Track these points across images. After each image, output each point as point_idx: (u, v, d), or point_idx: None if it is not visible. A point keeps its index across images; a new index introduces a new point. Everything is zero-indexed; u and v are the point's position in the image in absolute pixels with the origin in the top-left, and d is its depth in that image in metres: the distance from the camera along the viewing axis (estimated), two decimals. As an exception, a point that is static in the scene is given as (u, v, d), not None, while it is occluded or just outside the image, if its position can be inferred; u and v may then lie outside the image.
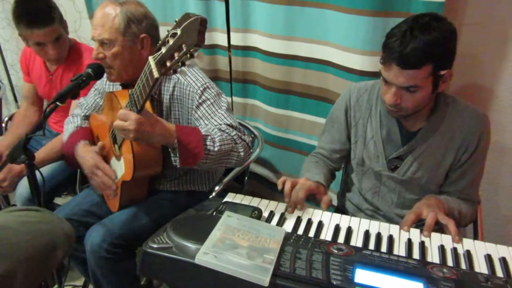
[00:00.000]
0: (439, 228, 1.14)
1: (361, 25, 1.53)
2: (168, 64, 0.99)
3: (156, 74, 1.01)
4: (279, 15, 1.73)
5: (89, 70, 1.32)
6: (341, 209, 1.53)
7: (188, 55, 0.96)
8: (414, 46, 1.07)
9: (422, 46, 1.06)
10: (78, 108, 1.66)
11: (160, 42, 1.01)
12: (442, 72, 1.12)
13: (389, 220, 1.37)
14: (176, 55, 0.97)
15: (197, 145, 1.19)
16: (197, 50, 0.96)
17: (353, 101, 1.36)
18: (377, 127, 1.31)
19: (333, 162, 1.46)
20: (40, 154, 1.76)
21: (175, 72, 1.01)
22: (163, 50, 0.99)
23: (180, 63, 0.98)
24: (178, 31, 0.95)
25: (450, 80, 1.17)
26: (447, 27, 1.10)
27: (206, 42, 1.98)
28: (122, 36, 1.32)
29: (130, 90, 1.16)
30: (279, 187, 1.26)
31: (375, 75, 1.55)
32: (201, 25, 0.94)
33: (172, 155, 1.21)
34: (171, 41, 0.97)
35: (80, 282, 1.91)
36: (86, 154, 1.43)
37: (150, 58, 1.02)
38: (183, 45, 0.95)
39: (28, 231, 0.74)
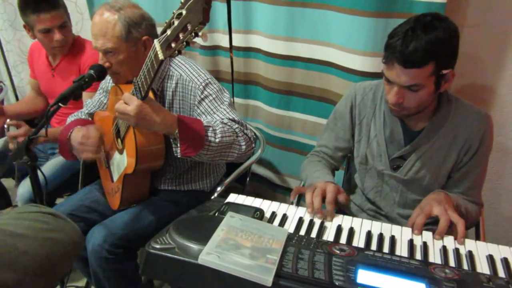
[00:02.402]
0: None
1: (362, 26, 1.53)
2: (173, 45, 0.98)
3: (161, 56, 1.00)
4: (281, 16, 1.73)
5: (92, 72, 1.32)
6: (343, 210, 1.53)
7: (193, 34, 0.95)
8: (416, 45, 1.07)
9: (424, 45, 1.07)
10: (84, 107, 1.67)
11: (165, 24, 1.00)
12: (445, 72, 1.12)
13: (391, 220, 1.37)
14: (181, 35, 0.96)
15: (198, 135, 1.18)
16: (201, 28, 0.94)
17: (359, 100, 1.36)
18: (381, 126, 1.32)
19: (335, 161, 1.46)
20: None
21: (179, 53, 1.00)
22: (168, 32, 0.98)
23: (184, 43, 0.97)
24: (183, 11, 0.94)
25: (452, 80, 1.17)
26: (449, 27, 1.11)
27: (208, 44, 1.99)
28: (125, 43, 1.33)
29: (134, 78, 1.16)
30: (293, 198, 1.26)
31: (376, 76, 1.55)
32: (206, 3, 0.92)
33: (173, 145, 1.20)
34: (176, 22, 0.96)
35: (82, 283, 1.91)
36: (76, 135, 1.41)
37: (156, 41, 1.02)
38: (188, 25, 0.94)
39: (39, 239, 0.70)
